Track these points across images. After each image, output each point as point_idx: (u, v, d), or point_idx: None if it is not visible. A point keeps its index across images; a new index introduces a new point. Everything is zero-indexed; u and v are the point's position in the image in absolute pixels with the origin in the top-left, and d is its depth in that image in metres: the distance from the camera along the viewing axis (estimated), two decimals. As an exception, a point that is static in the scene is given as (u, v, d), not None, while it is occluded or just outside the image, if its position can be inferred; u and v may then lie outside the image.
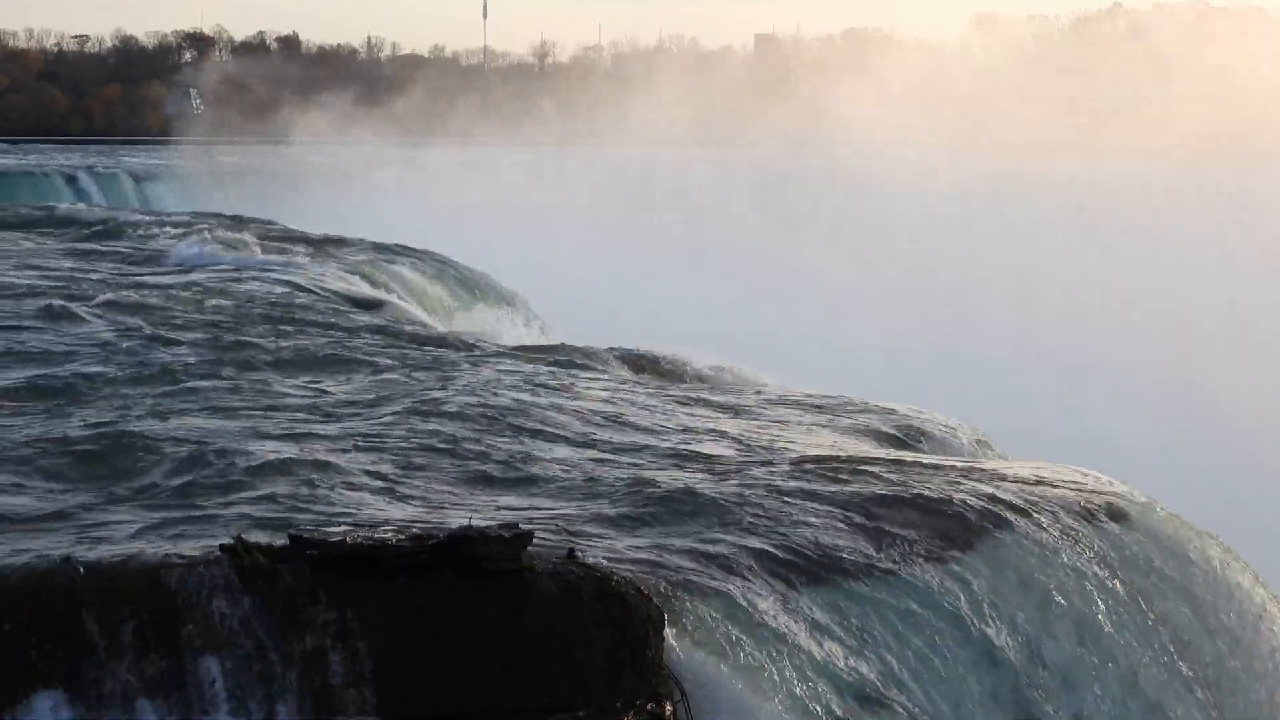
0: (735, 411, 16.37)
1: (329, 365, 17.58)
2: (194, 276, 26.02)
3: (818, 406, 16.90)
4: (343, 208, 60.33)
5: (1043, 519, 12.41)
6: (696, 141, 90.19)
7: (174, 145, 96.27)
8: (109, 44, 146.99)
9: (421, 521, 10.56)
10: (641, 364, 20.09)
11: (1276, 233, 62.02)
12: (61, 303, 21.29)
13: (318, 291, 24.89)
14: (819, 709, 9.71)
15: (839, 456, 13.84)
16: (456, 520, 10.46)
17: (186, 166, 77.21)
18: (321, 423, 14.17)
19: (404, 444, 13.29)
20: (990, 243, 62.05)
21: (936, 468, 13.57)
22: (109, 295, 22.28)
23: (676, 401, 16.65)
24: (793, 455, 13.81)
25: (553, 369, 18.21)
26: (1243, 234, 62.37)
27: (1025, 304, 55.05)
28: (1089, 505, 12.92)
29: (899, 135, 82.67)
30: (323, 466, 12.24)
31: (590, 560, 9.72)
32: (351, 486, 11.79)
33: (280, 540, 9.26)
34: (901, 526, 11.74)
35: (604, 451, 13.64)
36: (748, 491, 12.33)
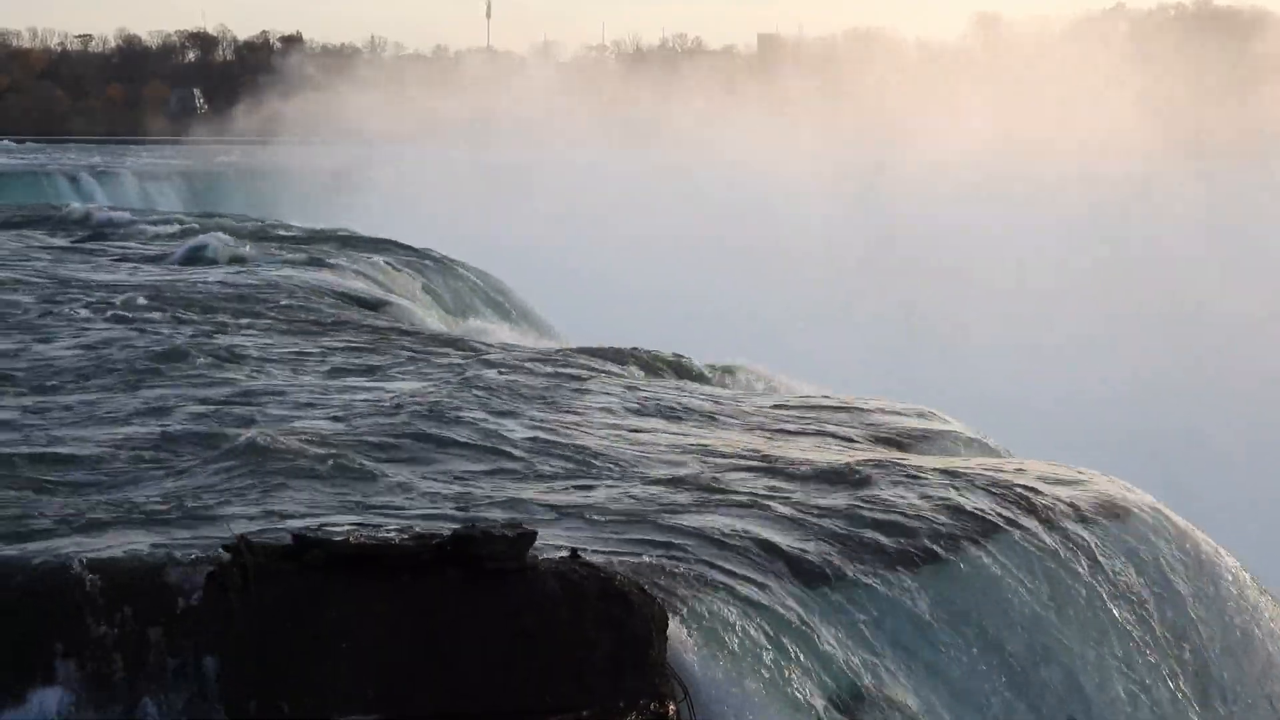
0: (736, 413, 16.38)
1: (330, 365, 17.60)
2: (195, 275, 26.06)
3: (817, 408, 16.90)
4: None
5: (1042, 519, 12.43)
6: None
7: (176, 145, 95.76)
8: (112, 43, 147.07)
9: (424, 520, 10.59)
10: (653, 365, 20.07)
11: None
12: (61, 301, 21.34)
13: (318, 290, 24.91)
14: (821, 709, 9.73)
15: (840, 457, 13.86)
16: (459, 519, 10.49)
17: (189, 166, 77.11)
18: (324, 423, 14.18)
19: (405, 444, 13.30)
20: (996, 238, 61.82)
21: (935, 468, 13.59)
22: (109, 294, 22.31)
23: (677, 401, 16.66)
24: (793, 457, 13.83)
25: (557, 370, 18.22)
26: (1247, 224, 62.24)
27: (1027, 303, 55.04)
28: (1087, 504, 12.94)
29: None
30: (324, 466, 12.26)
31: (593, 559, 9.73)
32: (353, 486, 11.81)
33: (283, 539, 9.27)
34: (902, 528, 11.76)
35: (604, 452, 13.66)
36: (748, 494, 12.36)
